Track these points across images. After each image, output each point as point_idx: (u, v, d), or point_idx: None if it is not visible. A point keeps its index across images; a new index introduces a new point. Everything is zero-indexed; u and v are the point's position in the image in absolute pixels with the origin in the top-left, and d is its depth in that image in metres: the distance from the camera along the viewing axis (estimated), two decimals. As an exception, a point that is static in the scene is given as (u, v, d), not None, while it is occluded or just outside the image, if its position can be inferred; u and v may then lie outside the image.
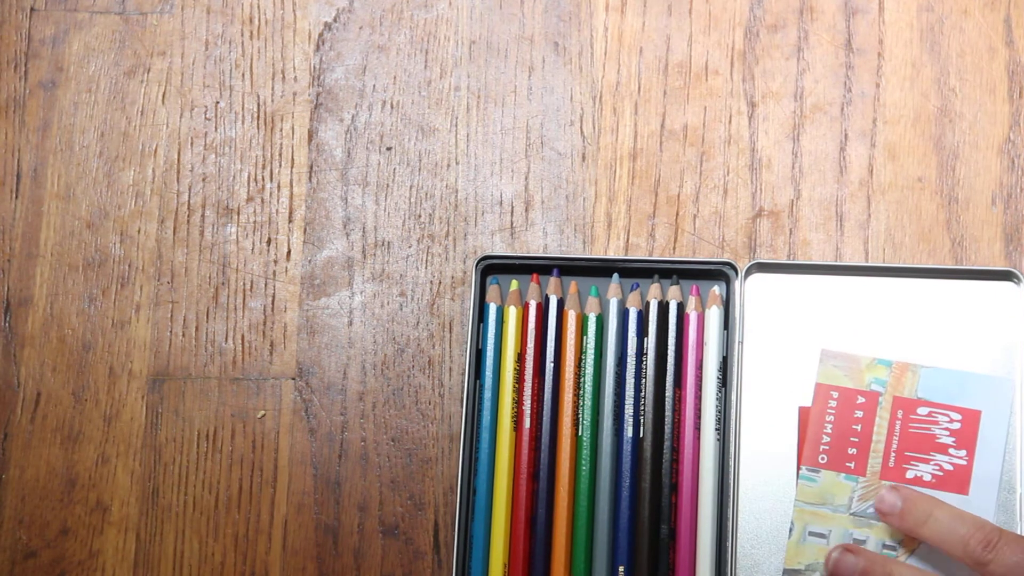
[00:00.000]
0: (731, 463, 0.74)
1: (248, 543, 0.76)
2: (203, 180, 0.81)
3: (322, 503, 0.76)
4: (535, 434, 0.75)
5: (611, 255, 0.79)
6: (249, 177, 0.81)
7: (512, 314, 0.76)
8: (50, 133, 0.81)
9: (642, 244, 0.79)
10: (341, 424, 0.77)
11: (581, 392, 0.75)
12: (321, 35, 0.82)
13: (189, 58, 0.82)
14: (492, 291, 0.77)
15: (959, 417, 0.74)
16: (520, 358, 0.76)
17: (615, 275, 0.77)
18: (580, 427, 0.75)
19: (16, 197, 0.80)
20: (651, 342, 0.75)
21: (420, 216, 0.80)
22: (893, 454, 0.74)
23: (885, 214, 0.79)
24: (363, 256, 0.79)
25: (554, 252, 0.79)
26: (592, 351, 0.76)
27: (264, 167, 0.81)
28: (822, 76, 0.81)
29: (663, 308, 0.76)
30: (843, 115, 0.80)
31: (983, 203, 0.79)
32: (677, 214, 0.79)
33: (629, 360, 0.75)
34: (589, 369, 0.76)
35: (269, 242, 0.80)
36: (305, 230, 0.80)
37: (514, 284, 0.77)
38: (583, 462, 0.75)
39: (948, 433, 0.74)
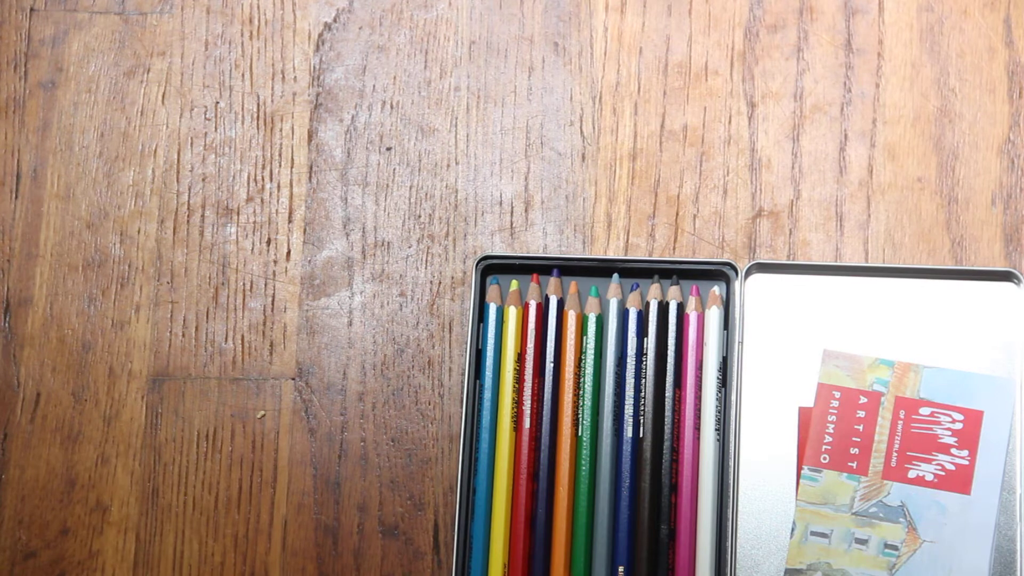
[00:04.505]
0: (731, 463, 0.74)
1: (248, 543, 0.76)
2: (203, 180, 0.81)
3: (322, 503, 0.76)
4: (535, 434, 0.75)
5: (611, 255, 0.79)
6: (249, 177, 0.81)
7: (512, 314, 0.76)
8: (50, 133, 0.81)
9: (642, 244, 0.79)
10: (341, 424, 0.77)
11: (581, 392, 0.75)
12: (321, 35, 0.82)
13: (189, 58, 0.82)
14: (492, 291, 0.77)
15: (961, 417, 0.74)
16: (520, 358, 0.76)
17: (615, 275, 0.77)
18: (580, 427, 0.75)
19: (16, 197, 0.80)
20: (651, 342, 0.75)
21: (420, 216, 0.80)
22: (895, 454, 0.74)
23: (885, 214, 0.79)
24: (363, 256, 0.79)
25: (554, 252, 0.79)
26: (592, 351, 0.76)
27: (264, 167, 0.81)
28: (822, 76, 0.81)
29: (663, 308, 0.76)
30: (843, 115, 0.80)
31: (983, 203, 0.79)
32: (677, 214, 0.79)
33: (629, 360, 0.75)
34: (589, 369, 0.76)
35: (269, 242, 0.80)
36: (305, 230, 0.80)
37: (514, 284, 0.77)
38: (583, 462, 0.75)
39: (950, 433, 0.74)
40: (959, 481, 0.74)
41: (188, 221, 0.80)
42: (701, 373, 0.75)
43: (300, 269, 0.79)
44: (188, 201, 0.80)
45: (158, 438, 0.77)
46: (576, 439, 0.75)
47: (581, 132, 0.80)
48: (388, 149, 0.81)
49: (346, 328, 0.79)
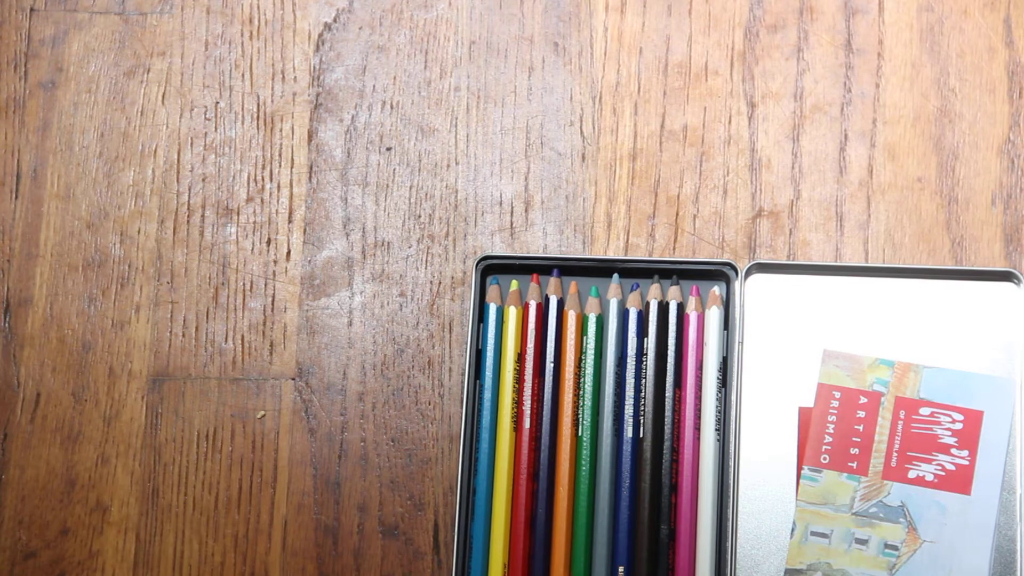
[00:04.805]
0: (731, 463, 0.74)
1: (248, 543, 0.76)
2: (203, 180, 0.81)
3: (322, 503, 0.76)
4: (535, 434, 0.75)
5: (611, 255, 0.79)
6: (249, 177, 0.81)
7: (512, 314, 0.76)
8: (50, 133, 0.81)
9: (642, 244, 0.79)
10: (341, 424, 0.77)
11: (581, 392, 0.75)
12: (321, 35, 0.82)
13: (189, 58, 0.82)
14: (492, 291, 0.77)
15: (961, 417, 0.74)
16: (520, 358, 0.76)
17: (615, 275, 0.77)
18: (580, 427, 0.75)
19: (16, 197, 0.80)
20: (651, 342, 0.75)
21: (420, 216, 0.80)
22: (895, 454, 0.74)
23: (885, 214, 0.79)
24: (363, 256, 0.79)
25: (554, 252, 0.79)
26: (592, 351, 0.76)
27: (264, 167, 0.81)
28: (822, 76, 0.81)
29: (663, 308, 0.76)
30: (843, 115, 0.80)
31: (983, 203, 0.79)
32: (677, 214, 0.79)
33: (629, 360, 0.75)
34: (589, 369, 0.76)
35: (269, 242, 0.80)
36: (305, 230, 0.80)
37: (514, 284, 0.77)
38: (583, 462, 0.75)
39: (950, 433, 0.74)
40: (959, 481, 0.74)
41: (188, 221, 0.80)
42: (701, 373, 0.75)
43: (300, 269, 0.79)
44: (188, 201, 0.80)
45: (158, 438, 0.77)
46: (576, 439, 0.75)
47: (581, 132, 0.80)
48: (388, 149, 0.81)
49: (346, 328, 0.79)
